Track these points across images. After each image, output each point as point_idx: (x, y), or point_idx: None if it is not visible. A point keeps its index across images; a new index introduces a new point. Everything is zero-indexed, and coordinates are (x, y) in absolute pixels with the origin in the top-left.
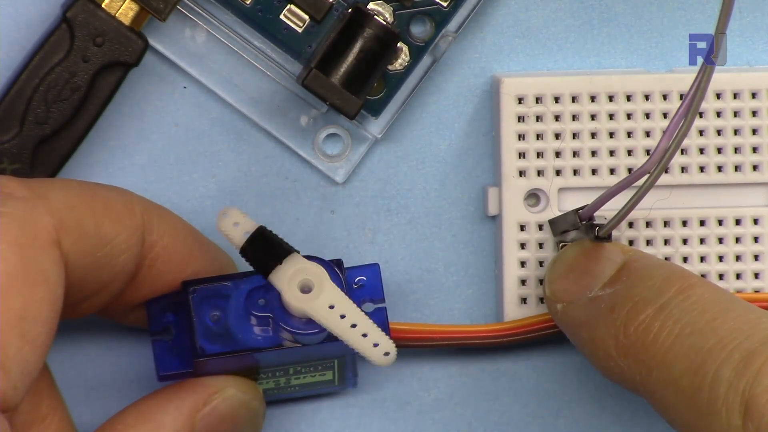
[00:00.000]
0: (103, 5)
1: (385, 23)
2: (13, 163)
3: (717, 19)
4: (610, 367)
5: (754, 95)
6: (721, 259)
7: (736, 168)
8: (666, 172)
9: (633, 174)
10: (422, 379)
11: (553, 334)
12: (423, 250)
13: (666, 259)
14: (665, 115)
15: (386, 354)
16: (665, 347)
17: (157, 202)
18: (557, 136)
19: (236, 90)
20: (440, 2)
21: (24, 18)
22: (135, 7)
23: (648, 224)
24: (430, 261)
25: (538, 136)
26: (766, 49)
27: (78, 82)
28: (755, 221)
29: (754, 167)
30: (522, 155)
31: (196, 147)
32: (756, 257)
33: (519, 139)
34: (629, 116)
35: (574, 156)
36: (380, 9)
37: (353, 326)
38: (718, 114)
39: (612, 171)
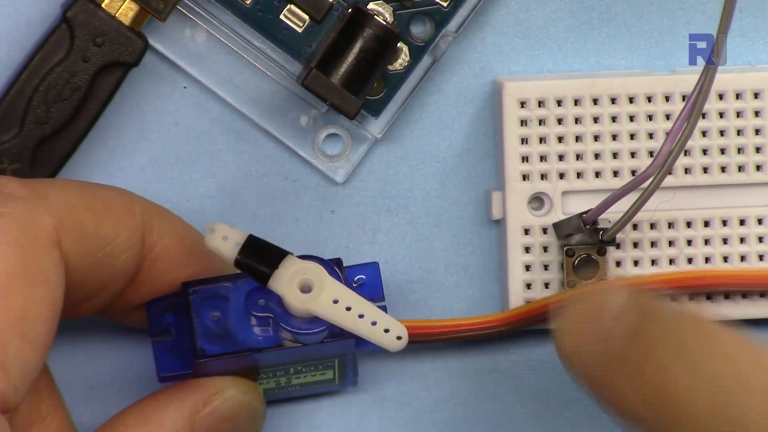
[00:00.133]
0: (103, 5)
1: (385, 23)
2: (13, 163)
3: (718, 19)
4: (626, 411)
5: (756, 95)
6: (725, 259)
7: (740, 168)
8: (669, 173)
9: (636, 177)
10: (422, 379)
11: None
12: (423, 250)
13: (671, 261)
14: (668, 117)
15: (399, 338)
16: (685, 388)
17: (157, 202)
18: (560, 139)
19: (236, 90)
20: (440, 2)
21: (24, 18)
22: (135, 7)
23: (652, 226)
24: (430, 261)
25: (541, 140)
26: (767, 49)
27: (78, 82)
28: (759, 221)
29: (758, 167)
30: (525, 159)
31: (196, 147)
32: (761, 257)
33: (522, 143)
34: (632, 118)
35: (577, 159)
36: (380, 9)
37: (361, 316)
38: (721, 115)
39: (615, 173)
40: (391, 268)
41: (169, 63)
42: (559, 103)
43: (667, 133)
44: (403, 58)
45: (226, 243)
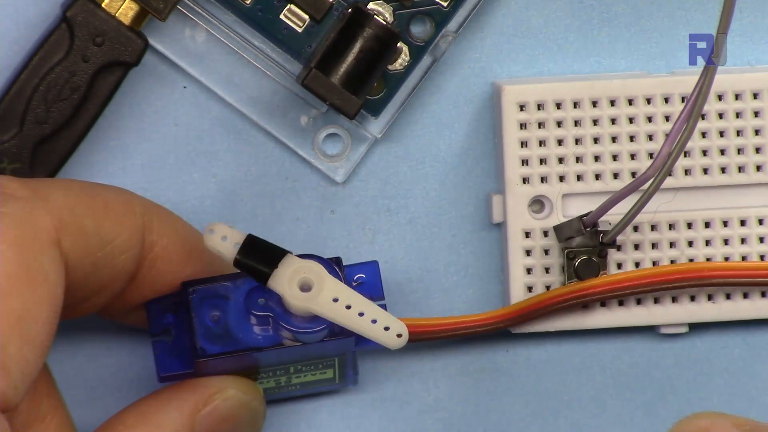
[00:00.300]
0: (103, 5)
1: (385, 23)
2: (13, 162)
3: (718, 19)
4: None
5: (755, 96)
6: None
7: (740, 169)
8: (669, 175)
9: (636, 180)
10: (422, 378)
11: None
12: (423, 250)
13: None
14: (667, 118)
15: (399, 335)
16: None
17: (157, 202)
18: (560, 142)
19: (236, 90)
20: (440, 2)
21: (24, 18)
22: (135, 6)
23: (653, 227)
24: (430, 261)
25: (541, 143)
26: (767, 49)
27: (78, 81)
28: (760, 221)
29: (758, 168)
30: (525, 162)
31: (196, 147)
32: (762, 257)
33: (522, 146)
34: (631, 120)
35: (577, 161)
36: (380, 9)
37: (361, 315)
38: (720, 115)
39: (615, 175)
40: (391, 268)
41: (169, 63)
42: (558, 105)
43: (667, 135)
44: (403, 58)
45: (226, 243)
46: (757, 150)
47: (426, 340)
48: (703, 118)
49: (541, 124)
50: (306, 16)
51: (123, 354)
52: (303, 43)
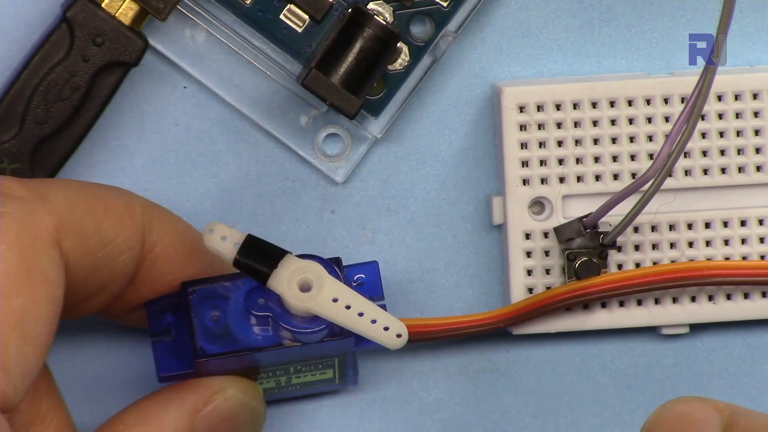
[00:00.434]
0: (103, 5)
1: (385, 23)
2: (13, 162)
3: (718, 19)
4: None
5: (755, 96)
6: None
7: (740, 169)
8: (669, 175)
9: (636, 181)
10: (422, 379)
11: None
12: (423, 250)
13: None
14: (667, 119)
15: (399, 335)
16: None
17: (157, 202)
18: (560, 143)
19: (236, 90)
20: (440, 2)
21: (24, 18)
22: (135, 6)
23: (653, 228)
24: (430, 261)
25: (541, 144)
26: (767, 49)
27: (78, 81)
28: (760, 222)
29: (758, 168)
30: (525, 164)
31: (196, 147)
32: (762, 258)
33: (521, 148)
34: (631, 121)
35: (577, 163)
36: (380, 9)
37: (360, 315)
38: (720, 116)
39: (616, 176)
40: (391, 268)
41: (169, 63)
42: (558, 107)
43: (667, 136)
44: (403, 58)
45: (225, 243)
46: (757, 150)
47: (426, 340)
48: (702, 119)
49: (540, 126)
50: (306, 16)
51: (123, 354)
52: (303, 43)
